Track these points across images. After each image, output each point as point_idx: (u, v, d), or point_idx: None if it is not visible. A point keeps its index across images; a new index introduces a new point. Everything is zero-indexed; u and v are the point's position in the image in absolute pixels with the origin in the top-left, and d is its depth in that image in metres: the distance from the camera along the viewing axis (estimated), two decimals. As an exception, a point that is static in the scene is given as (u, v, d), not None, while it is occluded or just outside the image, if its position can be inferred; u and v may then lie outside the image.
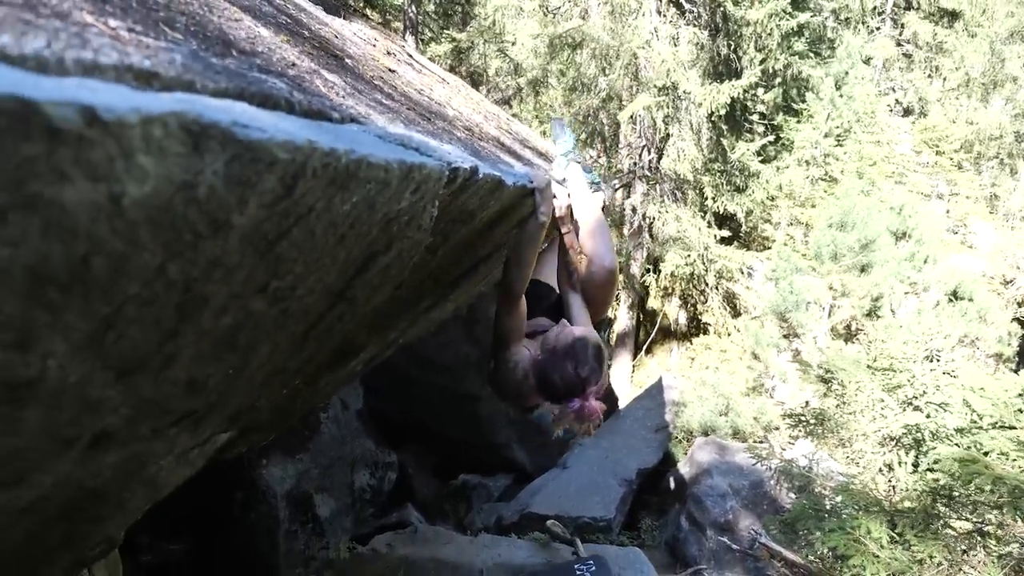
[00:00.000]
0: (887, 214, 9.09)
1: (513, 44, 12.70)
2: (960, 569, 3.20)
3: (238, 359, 1.34)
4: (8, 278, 0.56)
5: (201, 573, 5.16)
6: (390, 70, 2.68)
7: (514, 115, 11.82)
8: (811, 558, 4.02)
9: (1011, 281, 13.31)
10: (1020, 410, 3.19)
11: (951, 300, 8.89)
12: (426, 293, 2.73)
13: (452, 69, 13.08)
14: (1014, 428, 3.18)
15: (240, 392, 1.64)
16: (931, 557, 3.21)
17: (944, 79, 20.74)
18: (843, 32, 17.98)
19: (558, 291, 2.48)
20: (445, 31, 13.62)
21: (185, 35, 0.97)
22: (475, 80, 13.85)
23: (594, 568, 4.42)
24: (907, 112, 21.12)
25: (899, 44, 21.63)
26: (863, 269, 8.65)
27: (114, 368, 0.91)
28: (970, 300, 8.83)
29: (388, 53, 3.16)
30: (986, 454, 3.27)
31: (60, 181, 0.49)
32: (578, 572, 4.42)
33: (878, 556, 3.31)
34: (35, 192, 0.48)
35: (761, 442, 6.52)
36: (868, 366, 4.37)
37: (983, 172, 19.04)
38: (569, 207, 2.34)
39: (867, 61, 17.91)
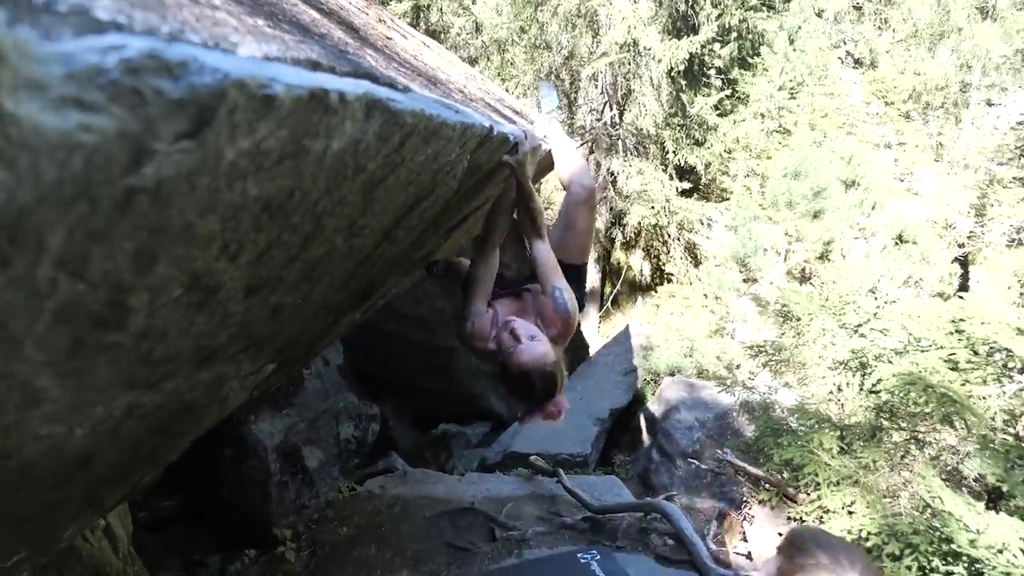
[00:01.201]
0: (838, 164, 9.55)
1: (474, 2, 12.73)
2: (899, 472, 3.66)
3: (307, 289, 1.60)
4: (255, 204, 0.84)
5: (195, 527, 5.40)
6: (388, 38, 2.91)
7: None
8: (771, 472, 4.47)
9: (952, 225, 14.00)
10: (950, 333, 3.62)
11: (897, 243, 9.42)
12: (427, 240, 3.00)
13: (412, 27, 13.04)
14: (943, 348, 3.62)
15: (295, 323, 1.90)
16: (874, 462, 3.65)
17: (893, 31, 21.22)
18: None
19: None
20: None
21: (289, 26, 1.24)
22: (435, 38, 13.84)
23: (599, 557, 4.48)
24: (858, 63, 21.61)
25: (850, -4, 22.02)
26: (815, 215, 9.13)
27: (247, 287, 1.17)
28: (914, 243, 9.36)
29: (379, 20, 3.37)
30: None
31: (315, 137, 0.78)
32: (582, 560, 4.51)
33: (829, 464, 3.75)
34: (302, 144, 0.77)
35: (725, 379, 6.97)
36: (821, 305, 4.78)
37: (930, 121, 19.66)
38: (547, 155, 2.51)
39: (819, 14, 18.23)
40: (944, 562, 2.87)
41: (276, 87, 0.60)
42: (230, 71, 0.52)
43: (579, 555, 4.36)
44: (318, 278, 1.58)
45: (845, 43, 21.53)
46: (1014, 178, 15.78)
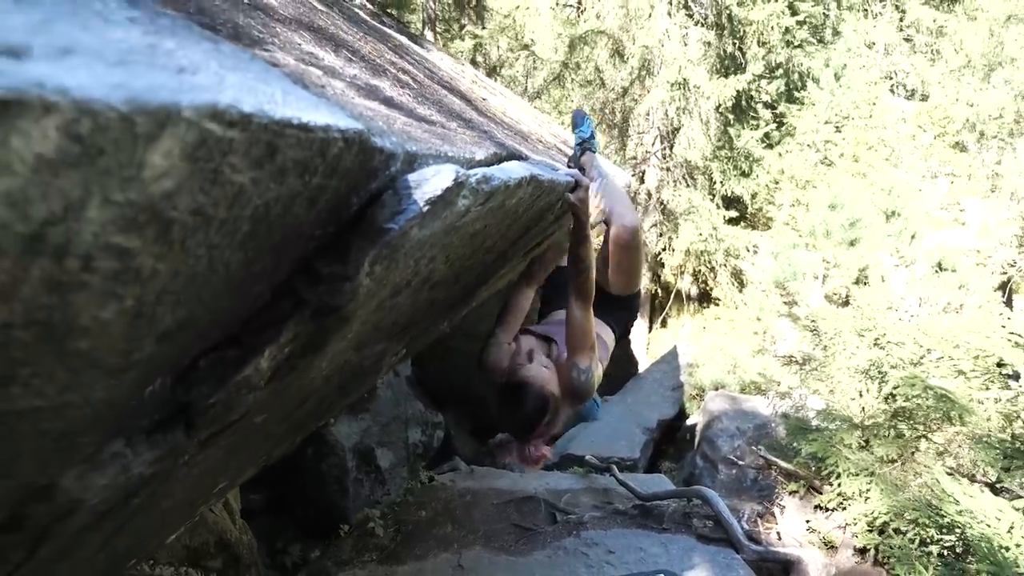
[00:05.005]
0: (877, 195, 10.07)
1: (533, 43, 13.59)
2: (910, 464, 4.22)
3: (450, 289, 2.27)
4: (470, 232, 1.57)
5: (279, 518, 6.13)
6: (484, 99, 3.69)
7: (535, 108, 12.72)
8: (799, 466, 5.05)
9: (991, 255, 14.10)
10: (957, 346, 4.19)
11: (936, 271, 9.81)
12: (513, 260, 3.70)
13: (473, 63, 13.95)
14: (951, 359, 4.19)
15: (430, 317, 2.59)
16: (888, 455, 4.23)
17: (945, 61, 21.31)
18: (845, 15, 18.68)
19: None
20: (460, 24, 14.35)
21: (459, 121, 1.99)
22: (494, 73, 14.66)
23: None
24: (911, 95, 21.73)
25: (901, 29, 22.27)
26: (851, 244, 9.64)
27: (434, 283, 1.88)
28: (953, 271, 9.76)
29: (473, 81, 4.16)
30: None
31: (509, 198, 1.51)
32: None
33: (849, 458, 4.33)
34: (503, 203, 1.50)
35: (764, 393, 7.53)
36: (856, 330, 5.35)
37: (983, 152, 19.60)
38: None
39: (870, 46, 18.61)
40: (939, 532, 3.45)
41: (511, 181, 1.33)
42: (501, 177, 1.26)
43: (648, 577, 4.77)
44: (459, 281, 2.25)
45: (896, 75, 21.73)
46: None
